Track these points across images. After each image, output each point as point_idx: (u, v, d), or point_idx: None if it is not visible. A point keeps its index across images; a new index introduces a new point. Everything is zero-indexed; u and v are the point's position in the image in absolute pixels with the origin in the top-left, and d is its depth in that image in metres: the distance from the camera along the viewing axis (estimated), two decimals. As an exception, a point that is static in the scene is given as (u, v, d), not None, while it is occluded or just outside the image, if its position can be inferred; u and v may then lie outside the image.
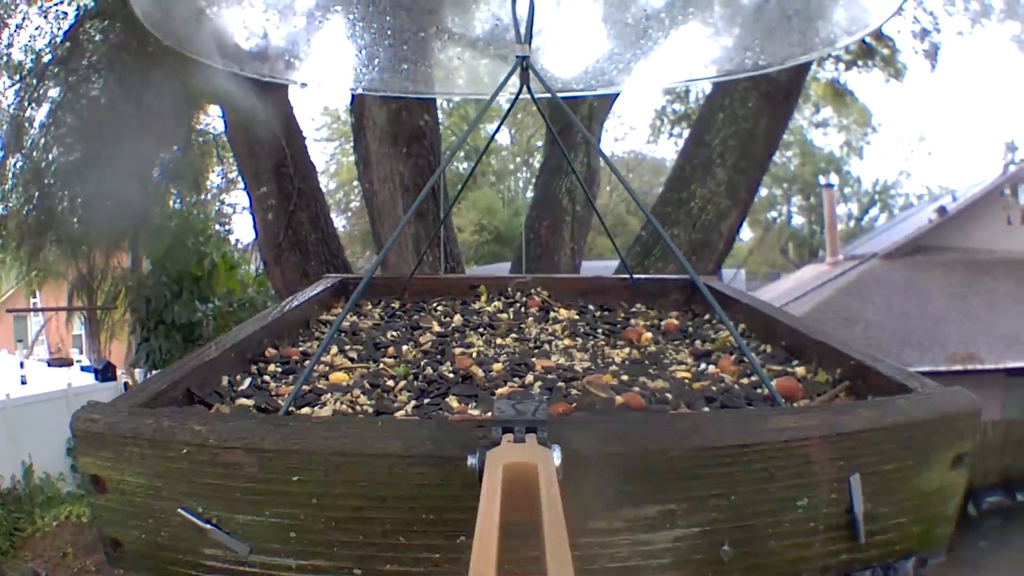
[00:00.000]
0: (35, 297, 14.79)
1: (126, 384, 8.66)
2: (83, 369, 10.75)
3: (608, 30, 1.19)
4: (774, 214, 20.34)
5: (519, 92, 0.93)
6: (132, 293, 8.38)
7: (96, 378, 9.19)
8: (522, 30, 0.88)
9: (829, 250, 11.85)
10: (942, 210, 10.81)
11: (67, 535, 5.96)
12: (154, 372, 7.78)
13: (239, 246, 10.72)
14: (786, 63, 1.13)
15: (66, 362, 11.63)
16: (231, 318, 7.63)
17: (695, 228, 3.38)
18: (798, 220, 20.83)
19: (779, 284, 12.36)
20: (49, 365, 11.38)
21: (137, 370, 8.66)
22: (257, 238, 4.06)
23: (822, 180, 14.01)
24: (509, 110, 1.23)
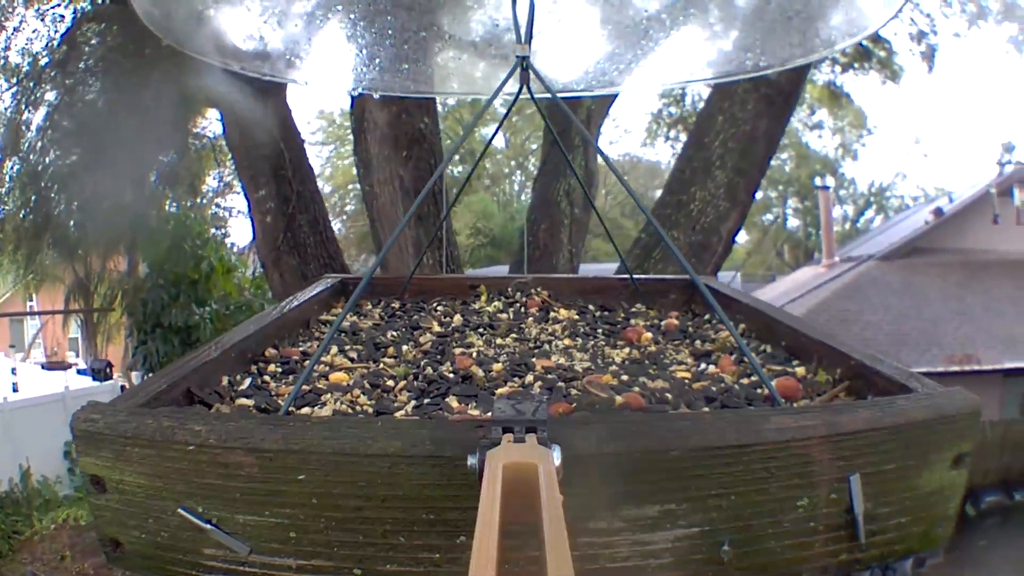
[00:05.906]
0: (32, 300, 14.75)
1: (123, 387, 8.67)
2: (79, 372, 10.71)
3: (607, 31, 1.19)
4: (769, 216, 20.36)
5: (519, 92, 0.93)
6: (129, 296, 8.38)
7: (94, 379, 9.17)
8: (522, 31, 0.88)
9: (825, 252, 11.82)
10: (938, 211, 10.81)
11: (65, 538, 5.96)
12: (151, 375, 7.85)
13: (235, 249, 10.73)
14: (786, 65, 1.13)
15: (63, 366, 11.60)
16: (228, 321, 7.62)
17: (695, 230, 3.38)
18: (793, 222, 20.86)
19: (775, 286, 12.34)
20: (44, 368, 11.34)
21: (134, 373, 8.68)
22: (255, 241, 4.07)
23: (818, 182, 14.02)
24: (509, 111, 1.24)
